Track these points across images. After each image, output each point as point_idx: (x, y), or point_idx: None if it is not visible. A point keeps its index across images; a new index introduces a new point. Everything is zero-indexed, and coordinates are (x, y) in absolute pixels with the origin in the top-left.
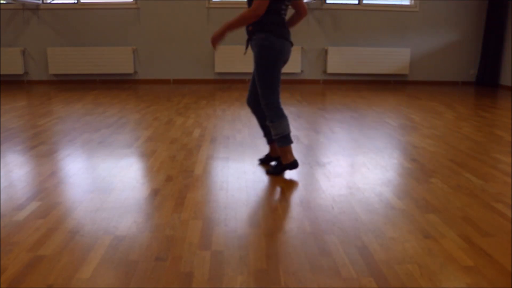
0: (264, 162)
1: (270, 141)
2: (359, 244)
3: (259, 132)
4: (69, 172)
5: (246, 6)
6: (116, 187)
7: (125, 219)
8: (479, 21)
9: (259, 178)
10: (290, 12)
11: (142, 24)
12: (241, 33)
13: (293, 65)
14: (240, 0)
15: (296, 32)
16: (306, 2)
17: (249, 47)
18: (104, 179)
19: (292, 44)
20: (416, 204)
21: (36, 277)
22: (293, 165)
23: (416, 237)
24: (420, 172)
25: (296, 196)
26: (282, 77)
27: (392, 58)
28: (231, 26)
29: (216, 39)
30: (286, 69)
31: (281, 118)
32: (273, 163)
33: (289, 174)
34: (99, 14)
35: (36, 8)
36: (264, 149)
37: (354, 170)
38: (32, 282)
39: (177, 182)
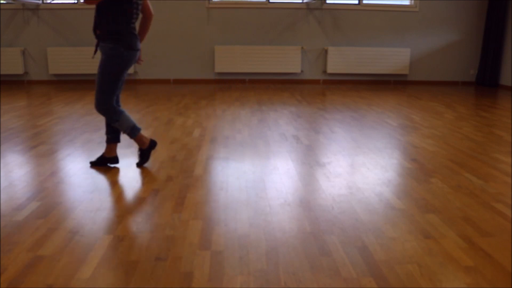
0: (96, 164)
1: (108, 141)
2: (359, 244)
3: (259, 132)
4: (69, 172)
5: (245, 5)
6: (116, 187)
7: (125, 219)
8: (479, 21)
9: (259, 178)
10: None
11: None
12: (241, 33)
13: (293, 65)
14: (240, 0)
15: (296, 32)
16: (306, 2)
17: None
18: (104, 179)
19: (138, 50)
20: (416, 204)
21: (36, 277)
22: (152, 144)
23: (416, 237)
24: (420, 172)
25: (296, 196)
26: (282, 77)
27: (392, 58)
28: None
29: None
30: (286, 69)
31: (120, 114)
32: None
33: (289, 174)
34: None
35: (36, 8)
36: (264, 149)
37: (354, 170)
38: (32, 282)
39: (177, 182)
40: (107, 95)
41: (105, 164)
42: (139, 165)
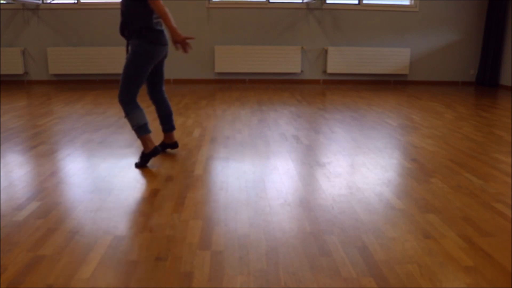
0: (161, 150)
1: (164, 130)
2: (359, 244)
3: (259, 132)
4: (69, 172)
5: (245, 6)
6: (116, 187)
7: (125, 219)
8: (479, 21)
9: (259, 178)
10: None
11: None
12: (241, 33)
13: (293, 65)
14: (240, 0)
15: (296, 32)
16: (306, 2)
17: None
18: (104, 179)
19: (166, 44)
20: (416, 204)
21: (36, 277)
22: (154, 152)
23: (416, 237)
24: (420, 172)
25: (296, 196)
26: (282, 77)
27: (392, 58)
28: (170, 23)
29: (182, 39)
30: (286, 69)
31: (135, 110)
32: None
33: (289, 174)
34: (99, 14)
35: (36, 8)
36: (264, 149)
37: (354, 170)
38: (32, 282)
39: (177, 182)
40: (129, 87)
41: (155, 155)
42: (137, 165)
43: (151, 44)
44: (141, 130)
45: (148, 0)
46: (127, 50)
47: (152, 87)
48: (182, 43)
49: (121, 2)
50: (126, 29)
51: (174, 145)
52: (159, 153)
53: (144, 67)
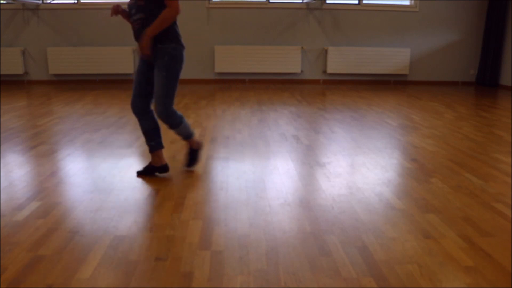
0: (143, 174)
1: (152, 150)
2: (359, 244)
3: (259, 132)
4: (69, 172)
5: (245, 6)
6: (116, 187)
7: (125, 219)
8: (479, 21)
9: (259, 178)
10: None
11: None
12: (241, 33)
13: (293, 65)
14: (240, 0)
15: (296, 32)
16: (306, 2)
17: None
18: (104, 179)
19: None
20: (416, 204)
21: (36, 277)
22: (200, 146)
23: (416, 237)
24: (420, 172)
25: (296, 196)
26: (282, 77)
27: (392, 58)
28: (154, 32)
29: (147, 49)
30: (286, 69)
31: (182, 120)
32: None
33: (289, 174)
34: (99, 14)
35: (36, 8)
36: (264, 149)
37: (354, 170)
38: (32, 282)
39: (177, 182)
40: (170, 99)
41: (153, 173)
42: (189, 165)
43: (183, 47)
44: (189, 136)
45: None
46: (153, 56)
47: (145, 98)
48: (141, 49)
49: (136, 6)
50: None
51: (165, 168)
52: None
53: (180, 71)
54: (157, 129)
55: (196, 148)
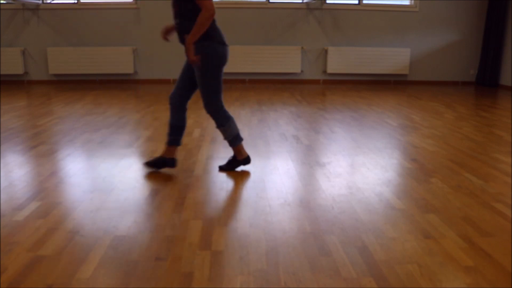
0: (151, 165)
1: (170, 143)
2: (359, 244)
3: (259, 132)
4: (69, 172)
5: (245, 6)
6: (116, 187)
7: (125, 219)
8: (479, 21)
9: (259, 178)
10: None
11: (142, 24)
12: (241, 33)
13: (293, 65)
14: (240, 0)
15: (296, 32)
16: (306, 2)
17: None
18: (104, 179)
19: (228, 45)
20: (416, 204)
21: (36, 277)
22: (247, 160)
23: (416, 237)
24: (420, 172)
25: (296, 196)
26: (282, 77)
27: (392, 58)
28: (194, 38)
29: (192, 56)
30: (286, 69)
31: (229, 120)
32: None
33: (289, 174)
34: (99, 14)
35: (36, 8)
36: (264, 149)
37: (354, 170)
38: (32, 282)
39: (177, 182)
40: (214, 94)
41: (161, 166)
42: (221, 168)
43: (219, 44)
44: (235, 141)
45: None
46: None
47: (185, 92)
48: (188, 58)
49: (173, 4)
50: (185, 33)
51: (173, 162)
52: (249, 163)
53: (220, 69)
54: (182, 128)
55: (238, 158)
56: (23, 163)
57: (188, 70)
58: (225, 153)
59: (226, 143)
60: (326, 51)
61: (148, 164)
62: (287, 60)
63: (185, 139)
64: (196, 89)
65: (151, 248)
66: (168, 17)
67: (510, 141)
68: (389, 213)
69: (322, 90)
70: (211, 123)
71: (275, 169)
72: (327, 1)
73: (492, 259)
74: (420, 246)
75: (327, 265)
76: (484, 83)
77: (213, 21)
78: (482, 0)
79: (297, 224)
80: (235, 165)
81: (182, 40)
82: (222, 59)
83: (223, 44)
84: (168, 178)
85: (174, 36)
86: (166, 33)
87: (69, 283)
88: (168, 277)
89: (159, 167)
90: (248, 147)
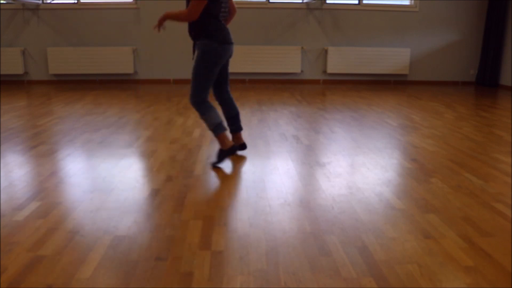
0: (222, 158)
1: (233, 131)
2: (359, 244)
3: (259, 132)
4: (69, 172)
5: (245, 5)
6: (116, 187)
7: (125, 219)
8: (479, 21)
9: (259, 178)
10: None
11: (142, 24)
12: (241, 33)
13: (293, 65)
14: (240, 0)
15: (296, 32)
16: (306, 2)
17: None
18: (104, 179)
19: (232, 43)
20: (416, 204)
21: (36, 277)
22: (232, 149)
23: (416, 237)
24: (420, 172)
25: (296, 196)
26: (282, 77)
27: (392, 58)
28: (169, 16)
29: (160, 22)
30: (286, 69)
31: (209, 110)
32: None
33: (289, 174)
34: (99, 14)
35: (36, 8)
36: (264, 149)
37: (354, 170)
38: (32, 282)
39: (177, 182)
40: (202, 88)
41: (233, 153)
42: (213, 164)
43: (219, 43)
44: (217, 129)
45: (232, 11)
46: (194, 51)
47: (218, 87)
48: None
49: (186, 2)
50: (193, 29)
51: (242, 146)
52: (236, 152)
53: (213, 67)
54: (236, 116)
55: (223, 149)
56: (23, 163)
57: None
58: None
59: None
60: (326, 51)
61: (222, 157)
62: (287, 60)
63: (185, 139)
64: (226, 78)
65: (151, 248)
66: None
67: (510, 141)
68: (389, 213)
69: (322, 90)
70: None
71: (275, 169)
72: (327, 1)
73: (492, 259)
74: (420, 246)
75: (327, 265)
76: (484, 83)
77: (219, 21)
78: (482, 0)
79: (297, 224)
80: (222, 157)
81: (191, 35)
82: (218, 57)
83: (224, 43)
84: (168, 178)
85: (170, 33)
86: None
87: (69, 283)
88: (168, 277)
89: (224, 158)
90: (248, 147)
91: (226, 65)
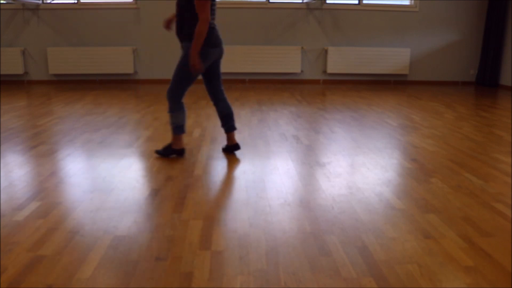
0: (226, 151)
1: (227, 130)
2: (359, 244)
3: (259, 132)
4: (69, 172)
5: (245, 5)
6: (116, 187)
7: (125, 219)
8: (479, 21)
9: (259, 178)
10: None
11: (142, 24)
12: (241, 33)
13: (293, 65)
14: (240, 0)
15: (296, 32)
16: (306, 2)
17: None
18: (104, 179)
19: (220, 45)
20: (416, 204)
21: (36, 277)
22: (180, 152)
23: (416, 237)
24: (420, 172)
25: (296, 196)
26: (282, 77)
27: (392, 58)
28: (197, 49)
29: (197, 65)
30: (286, 69)
31: (179, 110)
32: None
33: (289, 174)
34: (99, 14)
35: (36, 8)
36: (264, 149)
37: (354, 170)
38: (32, 282)
39: (177, 182)
40: (181, 86)
41: (179, 155)
42: (157, 152)
43: (204, 46)
44: (178, 130)
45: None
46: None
47: (211, 87)
48: (192, 67)
49: (176, 4)
50: (181, 31)
51: (236, 146)
52: (182, 156)
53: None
54: (230, 115)
55: (173, 147)
56: (23, 163)
57: (205, 71)
58: (225, 153)
59: (225, 143)
60: (326, 51)
61: (167, 152)
62: (287, 60)
63: (185, 139)
64: (218, 78)
65: (151, 248)
66: (168, 17)
67: (510, 141)
68: (389, 213)
69: (322, 90)
70: (211, 123)
71: (275, 169)
72: (327, 1)
73: (492, 259)
74: (420, 246)
75: (327, 265)
76: (484, 83)
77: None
78: (482, 0)
79: (297, 224)
80: (169, 153)
81: (178, 36)
82: (205, 60)
83: (209, 47)
84: (168, 178)
85: (171, 33)
86: (169, 22)
87: (69, 283)
88: (168, 277)
89: (169, 154)
90: (248, 147)
91: (217, 64)
